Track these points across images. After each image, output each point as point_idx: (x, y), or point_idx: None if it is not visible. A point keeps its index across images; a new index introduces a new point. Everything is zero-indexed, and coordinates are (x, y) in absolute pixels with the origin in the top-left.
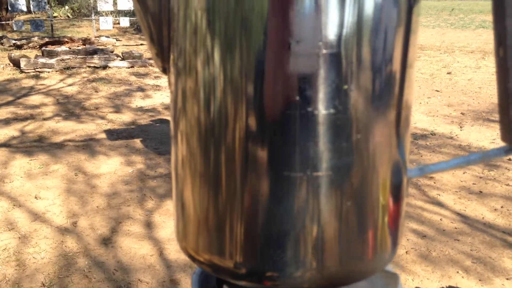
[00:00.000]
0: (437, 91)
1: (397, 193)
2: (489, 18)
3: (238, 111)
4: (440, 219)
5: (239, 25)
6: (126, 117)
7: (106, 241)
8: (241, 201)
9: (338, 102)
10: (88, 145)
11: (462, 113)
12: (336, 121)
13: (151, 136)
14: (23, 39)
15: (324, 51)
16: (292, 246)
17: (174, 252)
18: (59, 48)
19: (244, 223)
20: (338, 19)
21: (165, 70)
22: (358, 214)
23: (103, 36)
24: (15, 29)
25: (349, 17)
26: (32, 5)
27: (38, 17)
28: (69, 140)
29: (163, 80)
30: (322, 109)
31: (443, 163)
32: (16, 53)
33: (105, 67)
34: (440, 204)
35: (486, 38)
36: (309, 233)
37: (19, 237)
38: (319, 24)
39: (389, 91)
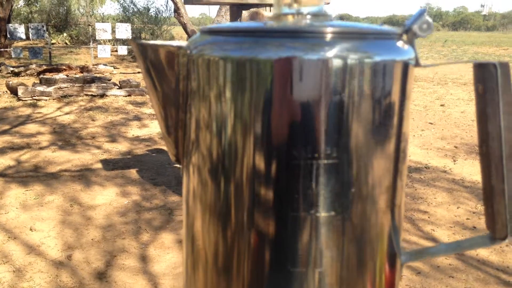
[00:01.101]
0: (431, 123)
1: (391, 280)
2: (482, 49)
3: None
4: None
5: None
6: (122, 146)
7: (101, 276)
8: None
9: (338, 205)
10: (83, 176)
11: (456, 147)
12: (337, 222)
13: (147, 166)
14: (21, 66)
15: (325, 161)
16: None
17: (169, 287)
18: (57, 76)
19: None
20: (336, 132)
21: (178, 160)
22: None
23: (101, 64)
24: (13, 56)
25: (346, 128)
26: (31, 33)
27: (36, 44)
28: (65, 170)
29: None
30: (323, 212)
31: (429, 250)
32: (13, 81)
33: (102, 96)
34: (434, 239)
35: None
36: None
37: (14, 271)
38: (318, 137)
39: (387, 189)
